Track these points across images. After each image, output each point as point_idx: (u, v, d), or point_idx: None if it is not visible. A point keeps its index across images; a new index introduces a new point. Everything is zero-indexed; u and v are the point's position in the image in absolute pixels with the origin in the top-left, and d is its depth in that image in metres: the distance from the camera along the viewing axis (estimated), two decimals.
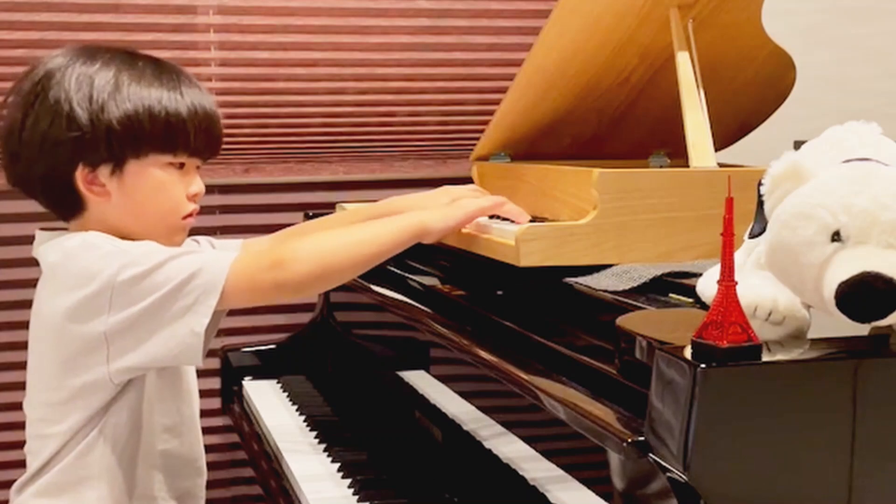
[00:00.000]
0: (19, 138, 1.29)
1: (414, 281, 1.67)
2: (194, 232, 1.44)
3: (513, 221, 1.49)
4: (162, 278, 1.23)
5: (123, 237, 1.31)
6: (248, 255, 1.28)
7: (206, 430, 1.52)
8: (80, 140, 1.26)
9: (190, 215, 1.36)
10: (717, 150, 1.51)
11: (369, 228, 1.34)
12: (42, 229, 1.35)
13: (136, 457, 1.34)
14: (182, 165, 1.33)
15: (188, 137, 1.31)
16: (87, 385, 1.27)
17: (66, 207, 1.32)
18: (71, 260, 1.26)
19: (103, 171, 1.29)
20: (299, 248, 1.28)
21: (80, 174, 1.28)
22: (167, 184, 1.31)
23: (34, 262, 1.35)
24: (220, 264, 1.24)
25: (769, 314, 0.96)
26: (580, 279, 1.35)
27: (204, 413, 1.51)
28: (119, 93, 1.27)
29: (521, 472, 1.26)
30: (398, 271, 1.71)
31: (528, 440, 1.25)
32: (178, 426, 1.41)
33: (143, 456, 1.35)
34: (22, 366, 1.38)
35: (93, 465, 1.30)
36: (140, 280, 1.23)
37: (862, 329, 0.96)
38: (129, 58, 1.32)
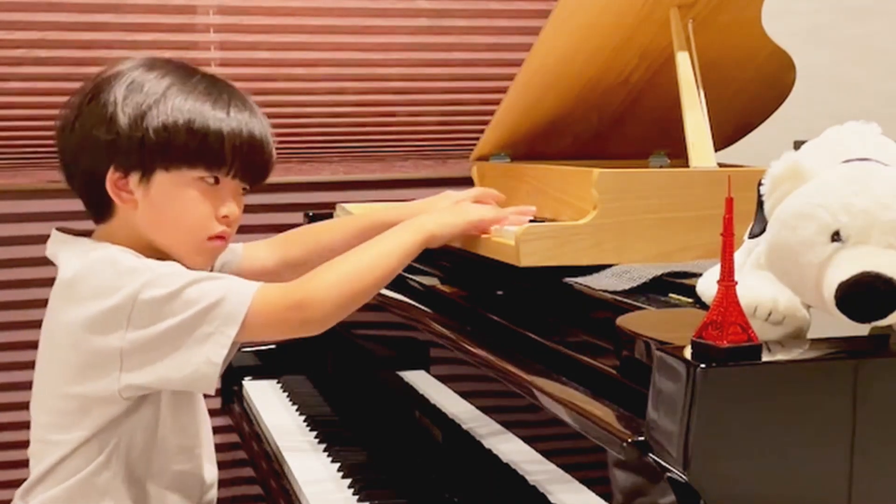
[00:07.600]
0: (69, 136, 1.31)
1: (414, 281, 1.67)
2: None
3: None
4: (184, 303, 1.22)
5: (148, 248, 1.30)
6: (271, 291, 1.26)
7: None
8: (114, 143, 1.26)
9: (219, 237, 1.33)
10: (717, 150, 1.51)
11: (378, 248, 1.33)
12: (59, 229, 1.34)
13: (147, 476, 1.33)
14: (217, 182, 1.31)
15: (223, 157, 1.29)
16: (95, 396, 1.26)
17: (99, 209, 1.32)
18: (92, 272, 1.25)
19: (133, 178, 1.28)
20: (320, 286, 1.27)
21: (111, 177, 1.28)
22: (193, 200, 1.29)
23: (35, 263, 1.35)
24: (243, 295, 1.23)
25: (769, 314, 0.96)
26: (580, 279, 1.35)
27: None
28: (163, 103, 1.27)
29: (521, 473, 1.26)
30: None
31: (527, 440, 1.25)
32: (194, 447, 1.39)
33: (156, 475, 1.34)
34: (22, 366, 1.38)
35: (103, 483, 1.29)
36: (162, 302, 1.22)
37: (862, 329, 0.96)
38: (186, 72, 1.32)
